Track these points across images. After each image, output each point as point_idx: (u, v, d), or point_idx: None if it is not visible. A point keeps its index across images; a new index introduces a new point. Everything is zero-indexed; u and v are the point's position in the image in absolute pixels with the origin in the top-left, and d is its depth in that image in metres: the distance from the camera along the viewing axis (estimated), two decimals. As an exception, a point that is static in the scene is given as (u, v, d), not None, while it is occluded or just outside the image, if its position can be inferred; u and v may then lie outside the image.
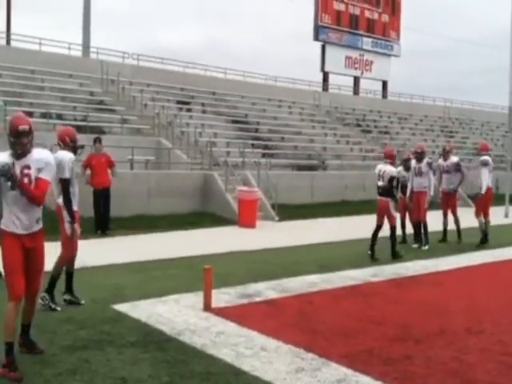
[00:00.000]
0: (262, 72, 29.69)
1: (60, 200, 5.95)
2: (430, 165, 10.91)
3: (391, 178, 9.47)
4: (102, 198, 11.61)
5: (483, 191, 10.85)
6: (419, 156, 11.00)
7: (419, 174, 10.86)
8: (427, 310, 6.45)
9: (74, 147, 6.18)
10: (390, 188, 9.48)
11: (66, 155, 5.95)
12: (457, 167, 11.40)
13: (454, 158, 11.66)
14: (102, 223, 11.56)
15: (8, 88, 17.64)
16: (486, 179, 10.87)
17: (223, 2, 78.43)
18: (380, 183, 9.56)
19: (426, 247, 10.60)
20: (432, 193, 10.88)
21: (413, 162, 11.11)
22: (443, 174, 11.53)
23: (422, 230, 10.74)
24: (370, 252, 9.48)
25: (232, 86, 25.99)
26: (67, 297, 6.24)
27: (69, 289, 6.28)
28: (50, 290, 6.03)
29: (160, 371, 4.37)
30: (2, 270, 4.51)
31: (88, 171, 11.44)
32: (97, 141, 11.92)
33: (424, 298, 7.02)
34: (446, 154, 11.64)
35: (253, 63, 65.45)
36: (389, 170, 9.51)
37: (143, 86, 21.73)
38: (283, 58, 72.33)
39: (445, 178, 11.47)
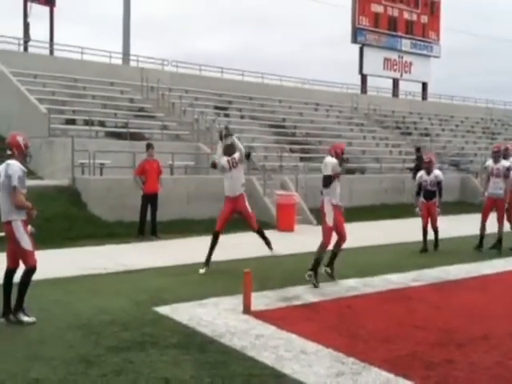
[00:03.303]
0: (300, 76, 29.70)
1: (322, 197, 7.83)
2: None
3: None
4: (150, 203, 11.90)
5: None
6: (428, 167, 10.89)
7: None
8: (469, 314, 6.35)
9: (341, 159, 7.87)
10: None
11: (332, 160, 7.71)
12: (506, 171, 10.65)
13: (504, 162, 10.75)
14: (152, 228, 11.90)
15: (52, 96, 18.17)
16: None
17: (259, 8, 78.84)
18: None
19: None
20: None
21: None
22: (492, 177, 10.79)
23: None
24: None
25: (269, 91, 26.05)
26: (328, 270, 7.89)
27: (330, 264, 7.94)
28: (314, 268, 7.58)
29: (202, 372, 4.44)
30: None
31: (142, 177, 11.80)
32: (150, 147, 12.25)
33: (466, 303, 6.92)
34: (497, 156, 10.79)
35: (290, 68, 65.54)
36: None
37: (182, 93, 22.00)
38: (321, 62, 72.19)
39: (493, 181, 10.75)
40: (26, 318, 5.69)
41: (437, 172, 10.88)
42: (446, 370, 4.59)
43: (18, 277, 5.85)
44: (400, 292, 7.41)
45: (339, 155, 7.88)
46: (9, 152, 5.82)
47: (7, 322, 5.69)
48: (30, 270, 5.73)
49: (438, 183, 10.73)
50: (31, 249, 5.74)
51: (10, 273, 5.85)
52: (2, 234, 5.91)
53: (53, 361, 4.63)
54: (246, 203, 9.06)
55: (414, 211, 10.98)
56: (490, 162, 10.95)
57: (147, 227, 11.94)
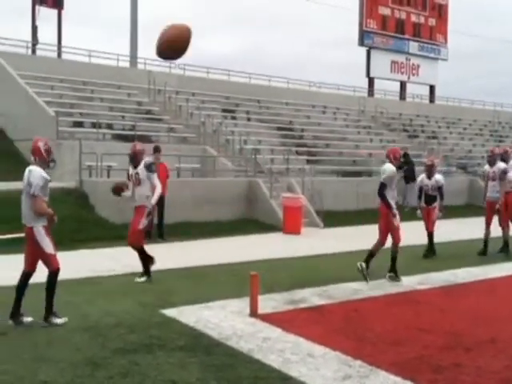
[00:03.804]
0: (306, 79, 29.67)
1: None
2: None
3: None
4: (157, 206, 11.91)
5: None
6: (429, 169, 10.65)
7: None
8: (477, 317, 6.32)
9: (399, 163, 8.44)
10: None
11: (391, 167, 8.18)
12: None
13: (500, 164, 10.74)
14: (159, 230, 11.94)
15: (59, 99, 18.24)
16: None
17: (265, 10, 78.88)
18: None
19: None
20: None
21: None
22: (489, 181, 10.82)
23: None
24: None
25: (276, 94, 26.05)
26: (390, 274, 8.13)
27: (392, 270, 8.16)
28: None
29: (208, 375, 4.44)
30: None
31: None
32: (157, 150, 12.29)
33: (473, 306, 6.88)
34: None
35: (296, 70, 65.43)
36: None
37: (189, 95, 22.04)
38: (327, 65, 72.08)
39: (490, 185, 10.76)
40: (58, 320, 5.72)
41: (438, 177, 10.67)
42: (454, 374, 4.57)
43: (31, 281, 5.88)
44: (407, 295, 7.39)
45: (398, 159, 8.32)
46: (32, 158, 5.81)
47: (15, 324, 5.71)
48: (54, 272, 5.73)
49: (439, 188, 10.56)
50: (53, 252, 5.73)
51: (26, 276, 5.81)
52: (22, 234, 5.90)
53: (60, 363, 4.64)
54: (142, 217, 8.04)
55: (416, 213, 10.87)
56: (486, 167, 10.96)
57: (154, 230, 11.96)
